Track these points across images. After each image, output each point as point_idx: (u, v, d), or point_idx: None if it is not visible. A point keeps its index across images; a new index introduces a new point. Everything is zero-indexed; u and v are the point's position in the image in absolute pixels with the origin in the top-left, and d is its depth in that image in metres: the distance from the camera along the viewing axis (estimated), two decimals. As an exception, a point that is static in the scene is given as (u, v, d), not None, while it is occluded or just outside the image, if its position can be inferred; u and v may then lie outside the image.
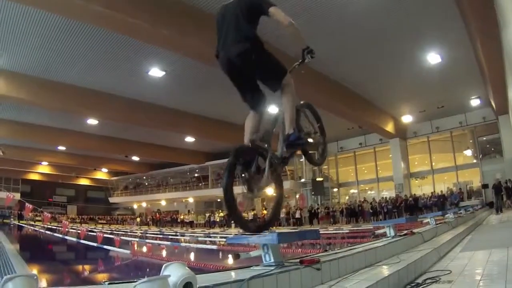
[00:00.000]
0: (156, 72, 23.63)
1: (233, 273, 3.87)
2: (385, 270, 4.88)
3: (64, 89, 24.72)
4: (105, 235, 18.36)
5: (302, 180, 42.17)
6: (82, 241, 19.35)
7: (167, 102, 29.29)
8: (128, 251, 15.34)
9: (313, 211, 38.02)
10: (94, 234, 20.53)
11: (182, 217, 50.11)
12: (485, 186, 32.49)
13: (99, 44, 20.15)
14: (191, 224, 47.32)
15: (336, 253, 5.24)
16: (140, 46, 19.84)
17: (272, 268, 3.74)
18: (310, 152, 5.72)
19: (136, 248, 17.13)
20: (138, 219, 57.40)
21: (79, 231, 22.04)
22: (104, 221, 62.25)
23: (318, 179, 39.01)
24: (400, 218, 9.03)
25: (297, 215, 38.08)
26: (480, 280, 4.71)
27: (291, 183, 42.13)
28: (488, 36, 17.60)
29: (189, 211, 51.93)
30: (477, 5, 15.78)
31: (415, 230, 8.37)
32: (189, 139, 39.11)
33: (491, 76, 23.04)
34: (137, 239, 21.85)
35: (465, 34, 20.09)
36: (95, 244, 17.13)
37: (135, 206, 64.53)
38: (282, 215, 38.20)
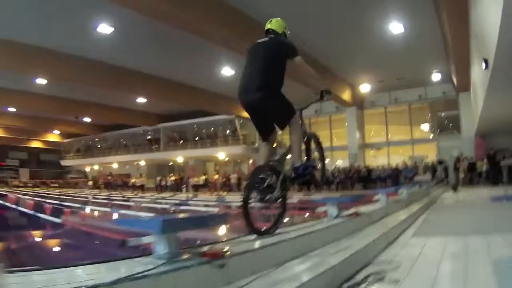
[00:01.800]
0: (104, 28, 22.28)
1: (101, 268, 3.04)
2: (317, 264, 3.82)
3: (9, 45, 23.25)
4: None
5: (255, 145, 40.91)
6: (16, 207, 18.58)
7: (117, 61, 27.81)
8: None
9: None
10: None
11: (133, 180, 48.72)
12: (440, 162, 31.79)
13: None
14: (141, 187, 45.98)
15: (252, 240, 4.32)
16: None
17: (159, 263, 2.85)
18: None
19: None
20: (91, 183, 55.80)
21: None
22: (57, 185, 60.58)
23: None
24: (345, 197, 7.71)
25: None
26: (434, 282, 3.70)
27: (243, 147, 41.74)
28: (456, 10, 16.97)
29: (140, 174, 50.02)
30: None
31: (362, 210, 7.43)
32: (141, 99, 37.93)
33: (455, 51, 22.55)
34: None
35: (431, 4, 19.41)
36: (28, 211, 16.28)
37: (87, 169, 62.75)
38: (233, 180, 38.45)
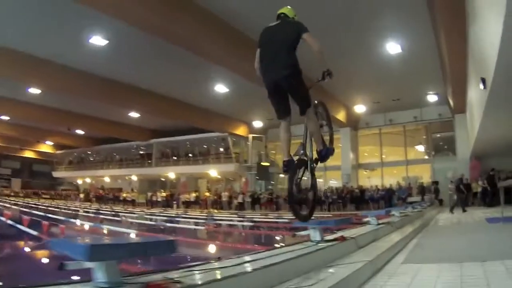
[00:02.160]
0: (98, 40, 21.88)
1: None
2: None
3: (3, 52, 22.78)
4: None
5: (248, 164, 40.86)
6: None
7: (111, 74, 27.57)
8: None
9: (255, 196, 36.77)
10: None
11: (124, 195, 48.49)
12: (435, 183, 31.21)
13: (37, 2, 18.38)
14: (132, 202, 46.11)
15: (215, 268, 3.57)
16: (83, 10, 17.64)
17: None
18: None
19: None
20: (82, 195, 54.92)
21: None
22: (48, 196, 59.67)
23: (263, 163, 37.94)
24: (331, 220, 7.15)
25: (239, 200, 37.00)
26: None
27: (236, 166, 41.07)
28: (454, 30, 16.77)
29: (132, 189, 50.28)
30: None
31: (349, 233, 6.85)
32: (134, 114, 37.28)
33: (452, 72, 22.04)
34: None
35: (429, 25, 19.10)
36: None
37: (79, 182, 61.74)
38: (224, 198, 38.14)
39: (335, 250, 5.42)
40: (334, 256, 5.21)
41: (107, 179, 55.82)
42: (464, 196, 24.30)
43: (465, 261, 5.69)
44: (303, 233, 6.11)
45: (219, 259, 4.14)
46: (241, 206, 36.66)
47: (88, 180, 59.31)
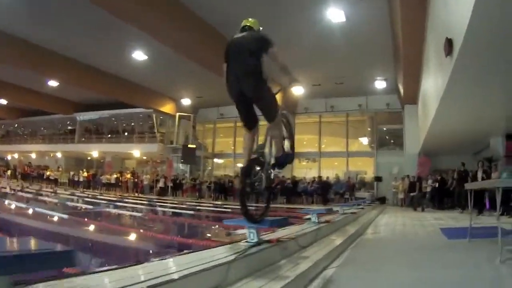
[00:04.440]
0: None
1: None
2: None
3: None
4: None
5: (173, 145, 35.99)
6: None
7: (22, 33, 22.77)
8: None
9: (177, 181, 32.38)
10: None
11: (48, 173, 42.73)
12: (377, 178, 28.52)
13: None
14: (55, 182, 40.67)
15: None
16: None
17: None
18: None
19: None
20: (9, 172, 49.09)
21: None
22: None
23: (190, 145, 33.06)
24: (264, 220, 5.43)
25: (161, 184, 32.42)
26: None
27: (159, 146, 36.08)
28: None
29: (58, 167, 44.53)
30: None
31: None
32: (53, 83, 31.44)
33: (406, 53, 18.27)
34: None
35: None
36: None
37: (9, 157, 55.51)
38: (146, 182, 34.51)
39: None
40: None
41: (33, 155, 50.07)
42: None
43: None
44: (239, 232, 6.74)
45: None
46: (163, 191, 31.97)
47: (16, 155, 53.04)
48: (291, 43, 20.20)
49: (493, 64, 9.82)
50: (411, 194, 23.01)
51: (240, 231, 6.62)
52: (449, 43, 9.78)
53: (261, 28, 5.94)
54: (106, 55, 24.98)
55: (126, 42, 22.60)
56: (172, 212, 18.54)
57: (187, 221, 14.12)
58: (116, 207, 19.21)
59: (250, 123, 5.65)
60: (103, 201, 22.22)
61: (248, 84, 5.25)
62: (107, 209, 18.05)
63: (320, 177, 27.91)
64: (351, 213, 12.12)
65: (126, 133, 40.39)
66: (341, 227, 9.34)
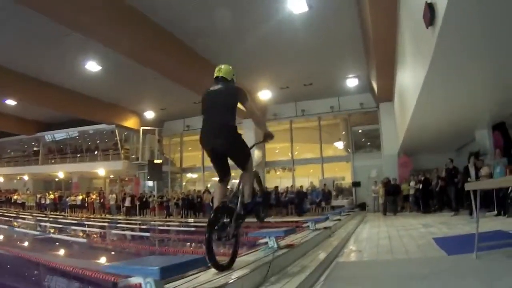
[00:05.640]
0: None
1: None
2: None
3: None
4: None
5: (138, 161, 33.61)
6: None
7: None
8: None
9: (144, 199, 29.93)
10: None
11: (15, 197, 40.48)
12: (356, 184, 26.46)
13: None
14: (23, 205, 38.98)
15: None
16: None
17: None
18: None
19: None
20: (-22, 197, 47.73)
21: None
22: None
23: (155, 161, 30.83)
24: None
25: (127, 203, 30.12)
26: None
27: (125, 163, 33.48)
28: None
29: (27, 190, 42.24)
30: None
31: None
32: (11, 101, 29.15)
33: (378, 47, 16.45)
34: None
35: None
36: None
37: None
38: (112, 201, 32.22)
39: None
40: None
41: (1, 179, 46.87)
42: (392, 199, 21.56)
43: None
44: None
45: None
46: (129, 211, 29.71)
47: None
48: (246, 38, 18.29)
49: (483, 33, 7.91)
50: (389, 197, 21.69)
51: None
52: (430, 9, 7.84)
53: (235, 78, 5.88)
54: (57, 69, 22.59)
55: (77, 53, 20.22)
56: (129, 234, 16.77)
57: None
58: (60, 231, 17.74)
59: (224, 175, 5.61)
60: (53, 224, 21.01)
61: (223, 141, 5.25)
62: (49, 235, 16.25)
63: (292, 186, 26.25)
64: (324, 228, 9.64)
65: (89, 152, 37.79)
66: (310, 250, 7.05)
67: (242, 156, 5.56)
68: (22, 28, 17.32)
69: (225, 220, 5.29)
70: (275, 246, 6.27)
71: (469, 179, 14.27)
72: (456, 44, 8.29)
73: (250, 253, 6.19)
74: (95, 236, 16.89)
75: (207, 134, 5.35)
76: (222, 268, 4.87)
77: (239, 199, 5.63)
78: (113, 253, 11.75)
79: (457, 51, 8.69)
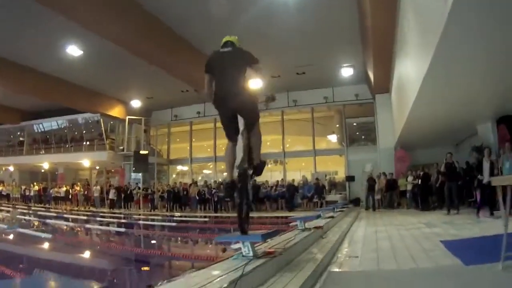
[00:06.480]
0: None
1: None
2: None
3: None
4: None
5: (124, 152, 32.51)
6: None
7: None
8: None
9: (128, 191, 28.81)
10: None
11: (0, 188, 39.07)
12: (350, 178, 25.75)
13: None
14: (7, 197, 37.72)
15: None
16: None
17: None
18: None
19: None
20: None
21: None
22: None
23: (141, 152, 29.49)
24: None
25: (111, 195, 28.88)
26: None
27: (109, 154, 32.42)
28: None
29: (13, 181, 40.56)
30: None
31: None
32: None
33: (376, 35, 15.72)
34: None
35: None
36: None
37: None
38: (96, 193, 30.84)
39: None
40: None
41: (-12, 170, 47.04)
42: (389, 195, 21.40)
43: None
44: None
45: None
46: (114, 203, 28.55)
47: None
48: (240, 27, 16.85)
49: (493, 19, 7.22)
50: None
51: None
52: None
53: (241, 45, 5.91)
54: (36, 52, 21.35)
55: (57, 34, 19.04)
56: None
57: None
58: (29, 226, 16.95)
59: (234, 134, 5.63)
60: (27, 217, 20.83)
61: (237, 99, 5.34)
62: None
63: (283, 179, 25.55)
64: (315, 228, 8.33)
65: (74, 142, 36.45)
66: (296, 258, 5.65)
67: (254, 115, 5.71)
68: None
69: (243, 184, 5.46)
70: (251, 254, 4.82)
71: (479, 176, 13.31)
72: (464, 32, 7.66)
73: (219, 262, 4.69)
74: (63, 230, 15.93)
75: (225, 97, 5.42)
76: (246, 232, 5.26)
77: (249, 165, 5.78)
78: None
79: (464, 40, 8.11)
